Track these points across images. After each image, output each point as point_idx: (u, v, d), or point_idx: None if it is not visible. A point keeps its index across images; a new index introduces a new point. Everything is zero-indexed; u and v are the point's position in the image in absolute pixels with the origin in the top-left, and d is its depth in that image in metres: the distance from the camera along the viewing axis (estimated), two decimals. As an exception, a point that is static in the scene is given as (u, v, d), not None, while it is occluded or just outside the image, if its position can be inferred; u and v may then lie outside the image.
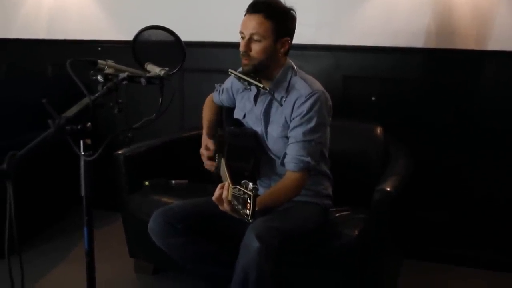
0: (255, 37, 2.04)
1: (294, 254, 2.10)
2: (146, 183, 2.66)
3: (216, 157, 2.32)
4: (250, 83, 2.14)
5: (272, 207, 2.02)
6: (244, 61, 2.08)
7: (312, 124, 2.06)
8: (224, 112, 2.44)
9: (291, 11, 2.10)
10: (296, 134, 2.07)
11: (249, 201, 1.62)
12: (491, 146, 2.84)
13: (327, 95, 2.13)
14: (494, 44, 2.74)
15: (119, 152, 2.63)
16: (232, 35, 2.50)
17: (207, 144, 2.35)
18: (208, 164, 2.32)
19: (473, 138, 2.86)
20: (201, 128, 2.47)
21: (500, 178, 2.86)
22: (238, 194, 1.70)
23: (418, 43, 2.86)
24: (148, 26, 1.72)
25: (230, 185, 1.77)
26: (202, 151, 2.35)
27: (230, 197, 1.77)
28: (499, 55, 2.74)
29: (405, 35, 2.87)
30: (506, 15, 2.71)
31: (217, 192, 1.84)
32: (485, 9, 2.74)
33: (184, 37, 1.77)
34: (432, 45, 2.85)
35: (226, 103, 2.45)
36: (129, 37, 1.74)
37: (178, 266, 2.26)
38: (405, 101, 2.94)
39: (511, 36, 2.71)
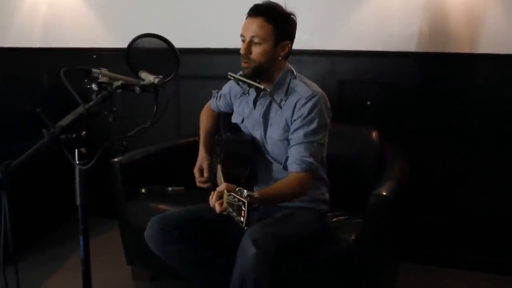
0: (256, 40, 2.05)
1: (291, 259, 2.10)
2: (143, 190, 2.66)
3: (214, 165, 2.33)
4: (250, 85, 2.15)
5: (275, 199, 2.02)
6: (244, 64, 2.10)
7: (314, 125, 2.06)
8: (222, 118, 2.45)
9: (292, 16, 2.12)
10: (297, 136, 2.07)
11: (243, 209, 1.62)
12: (486, 149, 2.85)
13: (326, 97, 2.14)
14: (488, 47, 2.75)
15: (115, 159, 2.63)
16: (227, 42, 2.52)
17: (202, 164, 2.35)
18: (201, 185, 2.34)
19: (469, 141, 2.87)
20: (198, 135, 2.47)
21: (496, 181, 2.86)
22: (232, 201, 1.70)
23: (412, 47, 2.87)
24: (142, 34, 1.72)
25: (225, 192, 1.77)
26: (196, 173, 2.36)
27: (225, 204, 1.77)
28: (493, 58, 2.75)
29: (399, 39, 2.88)
30: (499, 18, 2.72)
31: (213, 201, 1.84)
32: (478, 13, 2.75)
33: (179, 44, 1.77)
34: (426, 49, 2.86)
35: (223, 109, 2.46)
36: (124, 44, 1.74)
37: (176, 273, 2.26)
38: (400, 105, 2.95)
39: (504, 39, 2.73)
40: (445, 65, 2.86)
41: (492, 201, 2.88)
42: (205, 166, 2.34)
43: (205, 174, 2.33)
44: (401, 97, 2.95)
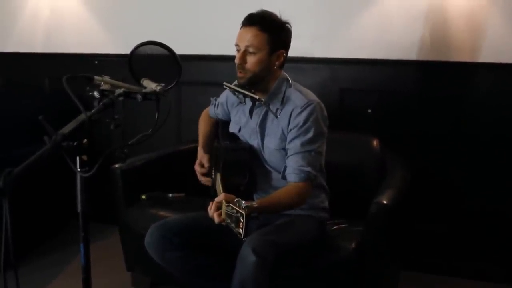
0: (250, 49, 2.05)
1: (291, 267, 2.10)
2: (143, 196, 2.66)
3: (212, 173, 2.32)
4: (245, 96, 2.15)
5: (274, 209, 2.01)
6: (239, 74, 2.09)
7: (310, 134, 2.06)
8: (220, 126, 2.45)
9: (286, 24, 2.11)
10: (294, 145, 2.07)
11: (241, 220, 1.61)
12: (487, 157, 2.85)
13: (322, 105, 2.13)
14: (489, 56, 2.76)
15: (116, 165, 2.63)
16: (229, 48, 2.51)
17: (201, 160, 2.36)
18: (203, 180, 2.34)
19: (470, 149, 2.87)
20: (197, 141, 2.47)
21: (498, 188, 2.86)
22: (231, 212, 1.69)
23: (413, 55, 2.88)
24: (145, 42, 1.72)
25: (224, 202, 1.77)
26: (197, 167, 2.36)
27: (223, 215, 1.76)
28: (494, 67, 2.76)
29: (400, 47, 2.88)
30: (500, 27, 2.73)
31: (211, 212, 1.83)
32: (479, 22, 2.76)
33: (181, 51, 1.78)
34: (427, 57, 2.86)
35: (221, 116, 2.46)
36: (126, 50, 1.74)
37: (175, 280, 2.26)
38: (401, 113, 2.95)
39: (505, 48, 2.73)
40: (446, 74, 2.87)
41: (494, 208, 2.88)
42: (205, 159, 2.35)
43: (206, 164, 2.33)
44: (402, 105, 2.95)
